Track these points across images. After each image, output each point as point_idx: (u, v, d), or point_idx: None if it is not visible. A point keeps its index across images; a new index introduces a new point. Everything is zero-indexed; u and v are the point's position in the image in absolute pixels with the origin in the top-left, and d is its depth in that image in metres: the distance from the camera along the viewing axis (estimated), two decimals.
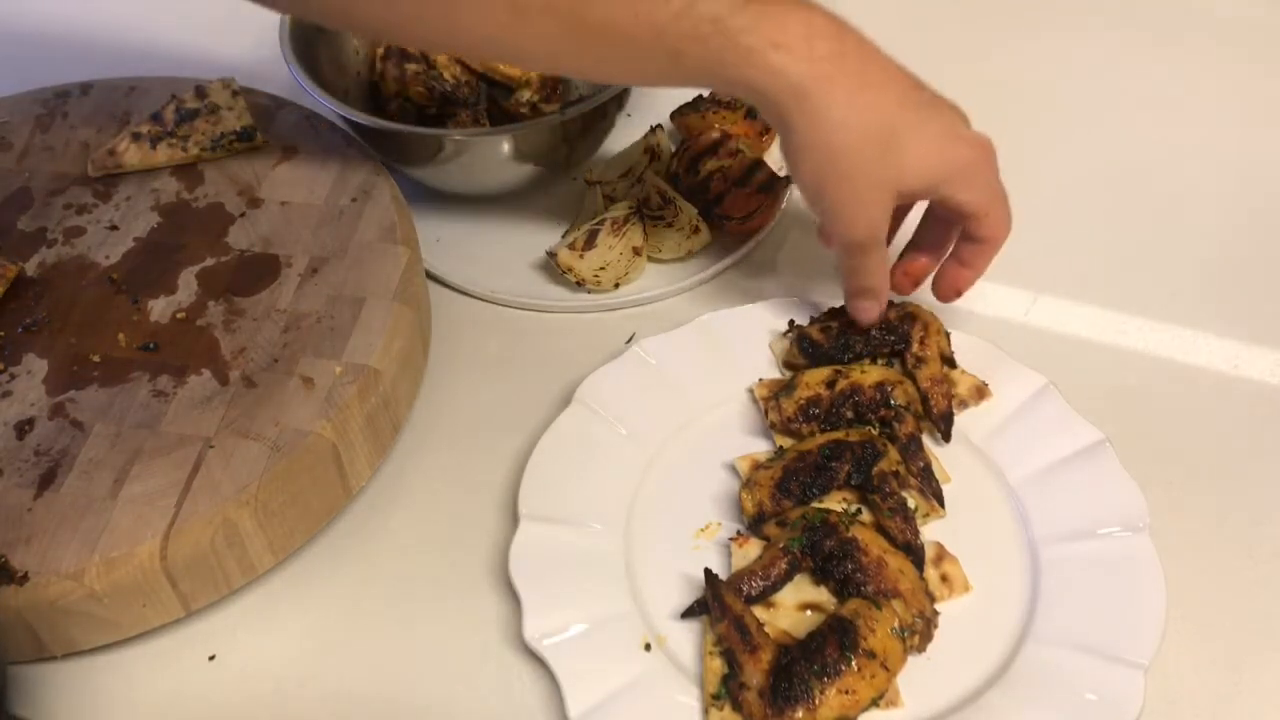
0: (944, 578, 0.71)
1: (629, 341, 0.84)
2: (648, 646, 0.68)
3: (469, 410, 0.82)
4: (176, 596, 0.68)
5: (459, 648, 0.70)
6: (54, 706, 0.68)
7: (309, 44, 0.90)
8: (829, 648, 0.64)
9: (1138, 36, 1.10)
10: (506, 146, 0.87)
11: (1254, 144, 1.00)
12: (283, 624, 0.72)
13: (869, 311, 0.78)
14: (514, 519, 0.73)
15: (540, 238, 0.91)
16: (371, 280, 0.78)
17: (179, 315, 0.77)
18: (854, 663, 0.64)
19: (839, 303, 0.82)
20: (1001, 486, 0.75)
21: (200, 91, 0.88)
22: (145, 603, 0.67)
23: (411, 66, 0.97)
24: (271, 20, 0.89)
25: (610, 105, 0.90)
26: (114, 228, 0.83)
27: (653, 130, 0.96)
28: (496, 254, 0.92)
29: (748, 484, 0.73)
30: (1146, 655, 0.66)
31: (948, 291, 0.80)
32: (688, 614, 0.69)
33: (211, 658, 0.70)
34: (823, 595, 0.69)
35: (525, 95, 0.99)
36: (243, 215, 0.84)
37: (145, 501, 0.67)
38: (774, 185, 0.91)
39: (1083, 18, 1.12)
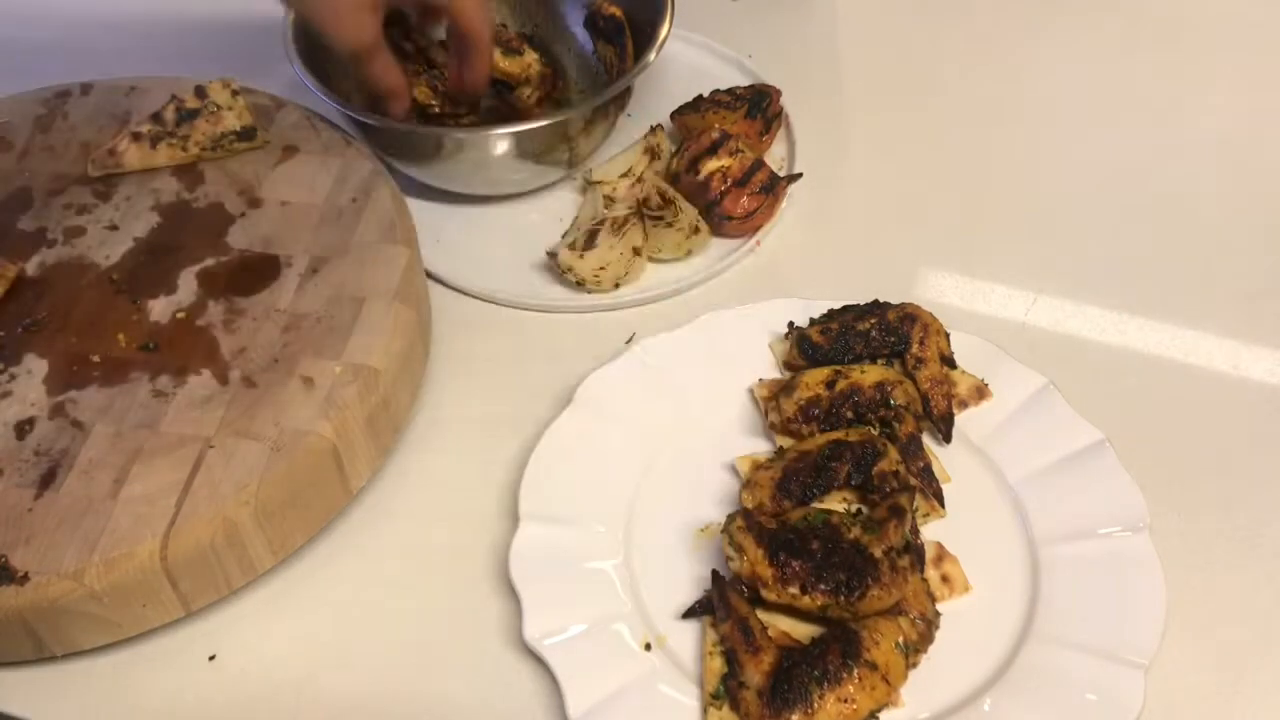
0: (944, 578, 0.71)
1: (629, 341, 0.84)
2: (648, 646, 0.68)
3: (469, 410, 0.82)
4: (176, 596, 0.68)
5: (459, 648, 0.70)
6: (54, 706, 0.68)
7: (312, 44, 0.90)
8: (831, 655, 0.64)
9: (1137, 37, 1.10)
10: (507, 145, 0.87)
11: (1254, 144, 1.00)
12: (283, 624, 0.72)
13: (396, 109, 0.89)
14: (514, 519, 0.73)
15: (540, 238, 0.92)
16: (371, 280, 0.78)
17: (179, 315, 0.77)
18: (855, 672, 0.64)
19: (839, 303, 0.82)
20: (1001, 486, 0.75)
21: (200, 91, 0.88)
22: (145, 603, 0.67)
23: (411, 67, 0.96)
24: (272, 20, 0.90)
25: (610, 105, 0.90)
26: (114, 228, 0.83)
27: (653, 130, 0.96)
28: (496, 254, 0.91)
29: (748, 484, 0.73)
30: (1146, 655, 0.66)
31: (459, 87, 0.90)
32: (688, 614, 0.69)
33: (211, 658, 0.70)
34: None
35: (525, 93, 0.99)
36: (243, 215, 0.84)
37: (145, 501, 0.67)
38: (774, 185, 0.91)
39: (1082, 19, 1.12)
